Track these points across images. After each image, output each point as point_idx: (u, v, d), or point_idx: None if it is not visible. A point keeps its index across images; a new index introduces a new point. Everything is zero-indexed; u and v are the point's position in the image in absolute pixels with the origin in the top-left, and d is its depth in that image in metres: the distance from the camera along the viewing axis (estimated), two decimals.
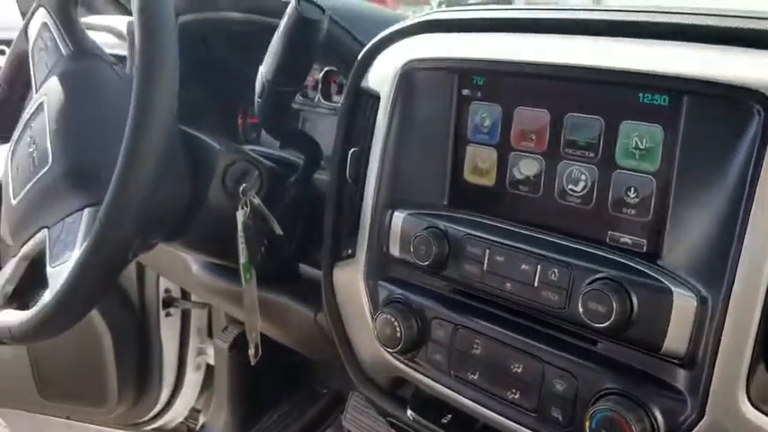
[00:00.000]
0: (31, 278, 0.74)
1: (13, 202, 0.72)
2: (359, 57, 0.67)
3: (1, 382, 1.40)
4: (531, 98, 0.55)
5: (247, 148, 0.84)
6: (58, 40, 0.76)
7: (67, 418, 1.46)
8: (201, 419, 1.45)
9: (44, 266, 0.73)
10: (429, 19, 0.63)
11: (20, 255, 0.73)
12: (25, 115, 0.75)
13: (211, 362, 1.37)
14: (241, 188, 0.72)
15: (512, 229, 0.56)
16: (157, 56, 0.59)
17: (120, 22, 1.01)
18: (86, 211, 0.66)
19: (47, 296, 0.63)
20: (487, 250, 0.55)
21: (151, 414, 1.42)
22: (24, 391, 1.36)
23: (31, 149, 0.71)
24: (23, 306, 0.73)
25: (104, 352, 1.29)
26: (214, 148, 0.73)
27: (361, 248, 0.65)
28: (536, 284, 0.52)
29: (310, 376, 1.23)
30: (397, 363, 0.63)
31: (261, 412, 1.23)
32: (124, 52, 0.94)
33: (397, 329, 0.59)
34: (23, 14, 1.21)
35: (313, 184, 0.80)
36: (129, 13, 1.15)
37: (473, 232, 0.56)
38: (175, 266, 0.93)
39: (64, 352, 1.31)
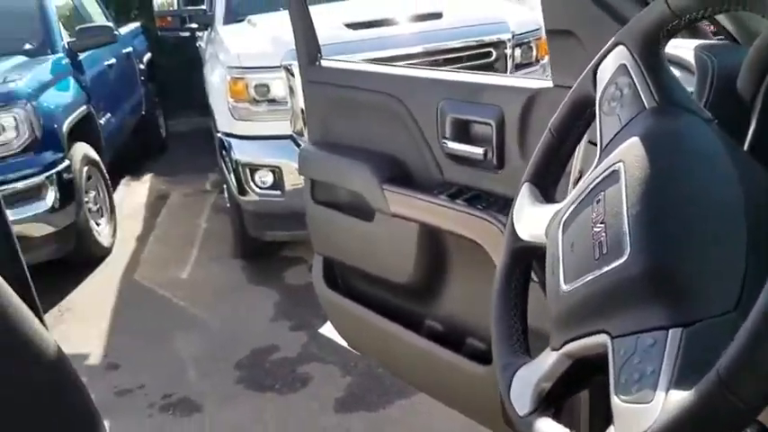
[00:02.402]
0: (568, 379, 0.62)
1: (565, 287, 0.60)
2: None
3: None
4: None
5: None
6: (639, 88, 0.60)
7: None
8: None
9: (578, 369, 0.60)
10: None
11: (563, 351, 0.60)
12: (589, 180, 0.61)
13: None
14: None
15: None
16: None
17: (682, 48, 0.81)
18: (672, 332, 0.49)
19: None
20: None
21: None
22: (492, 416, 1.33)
23: (597, 229, 0.57)
24: (558, 413, 0.62)
25: None
26: None
27: None
28: None
29: None
30: None
31: None
32: None
33: None
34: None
35: None
36: (694, 36, 0.97)
37: None
38: None
39: None
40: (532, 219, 0.70)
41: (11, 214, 1.03)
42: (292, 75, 2.95)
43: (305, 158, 1.63)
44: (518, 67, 3.24)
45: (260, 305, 3.07)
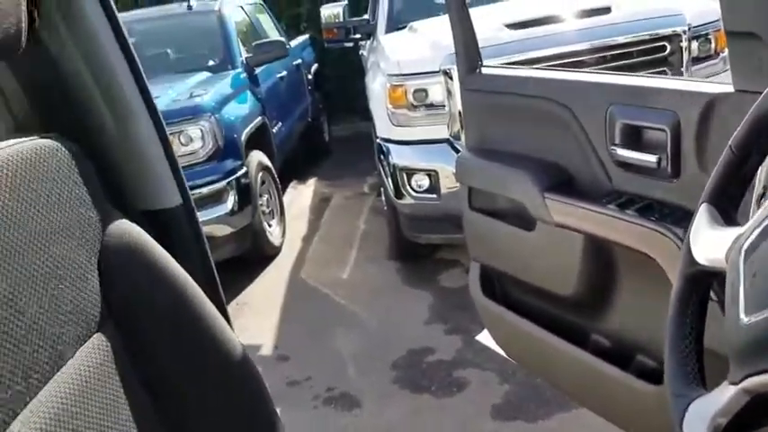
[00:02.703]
0: (746, 416, 0.57)
1: (745, 319, 0.55)
2: None
3: None
4: None
5: None
6: None
7: None
8: None
9: (758, 406, 0.55)
10: None
11: (742, 386, 0.55)
12: None
13: None
14: None
15: None
16: None
17: None
18: None
19: None
20: None
21: None
22: None
23: None
24: None
25: None
26: None
27: None
28: None
29: None
30: None
31: None
32: None
33: None
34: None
35: None
36: None
37: None
38: None
39: None
40: (711, 242, 0.65)
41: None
42: (451, 78, 2.97)
43: (462, 166, 1.64)
44: (695, 60, 3.00)
45: (415, 307, 3.13)
